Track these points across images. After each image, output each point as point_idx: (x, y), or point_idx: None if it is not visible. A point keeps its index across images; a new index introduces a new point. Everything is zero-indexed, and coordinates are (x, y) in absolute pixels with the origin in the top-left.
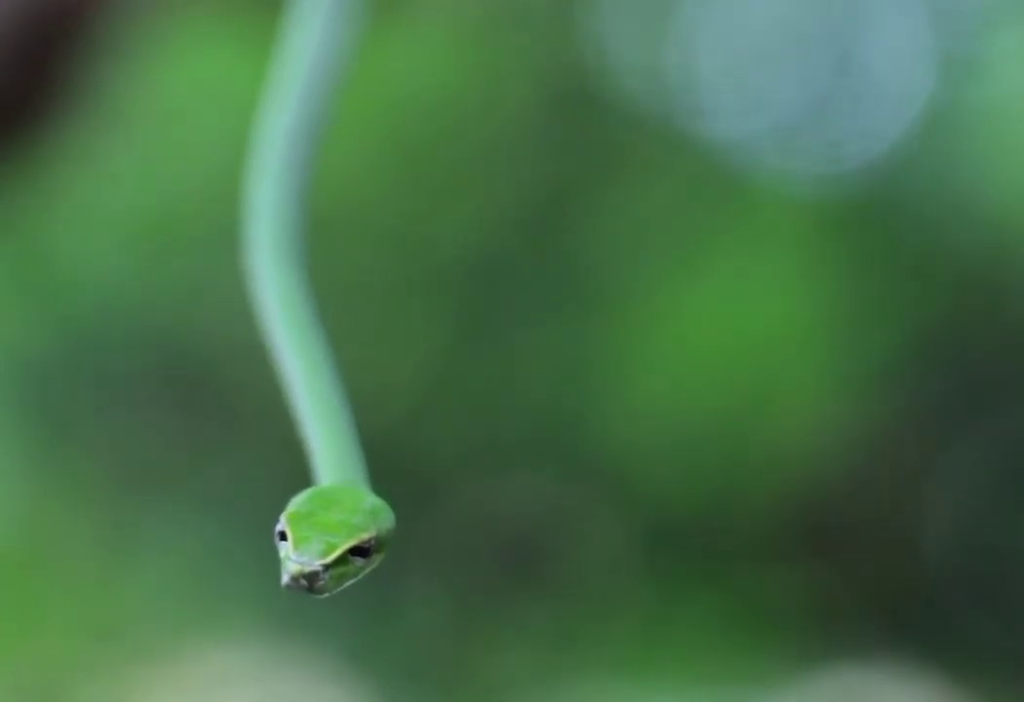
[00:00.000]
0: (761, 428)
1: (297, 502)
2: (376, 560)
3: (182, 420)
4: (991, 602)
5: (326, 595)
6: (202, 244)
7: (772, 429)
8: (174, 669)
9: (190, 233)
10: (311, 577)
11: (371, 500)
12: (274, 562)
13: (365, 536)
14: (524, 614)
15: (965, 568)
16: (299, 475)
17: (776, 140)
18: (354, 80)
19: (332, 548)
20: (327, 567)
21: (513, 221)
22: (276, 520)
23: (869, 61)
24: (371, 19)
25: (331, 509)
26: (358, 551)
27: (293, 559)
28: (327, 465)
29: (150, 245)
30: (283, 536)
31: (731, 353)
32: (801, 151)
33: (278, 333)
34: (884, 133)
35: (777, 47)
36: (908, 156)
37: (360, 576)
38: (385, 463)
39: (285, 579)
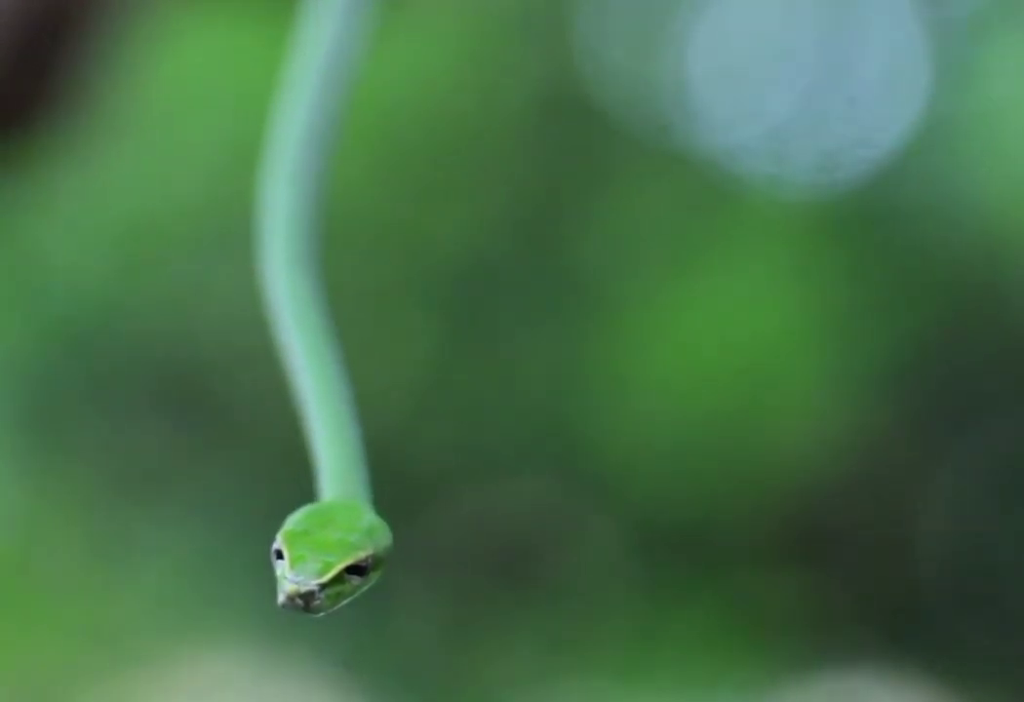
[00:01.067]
0: (756, 433)
1: (293, 520)
2: (373, 579)
3: (176, 425)
4: (985, 608)
5: (322, 614)
6: (196, 248)
7: (767, 434)
8: (168, 674)
9: (184, 237)
10: (307, 597)
11: (368, 518)
12: (268, 568)
13: (362, 555)
14: (519, 619)
15: (959, 574)
16: (293, 481)
17: (770, 147)
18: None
19: (328, 567)
20: (323, 586)
21: (509, 227)
22: (272, 530)
23: (862, 68)
24: (382, 15)
25: (328, 527)
26: (355, 570)
27: (289, 579)
28: (330, 476)
29: (144, 249)
30: (279, 555)
31: (725, 359)
32: (795, 158)
33: (290, 339)
34: (878, 140)
35: (770, 55)
36: (902, 163)
37: (356, 595)
38: (381, 468)
39: (281, 598)
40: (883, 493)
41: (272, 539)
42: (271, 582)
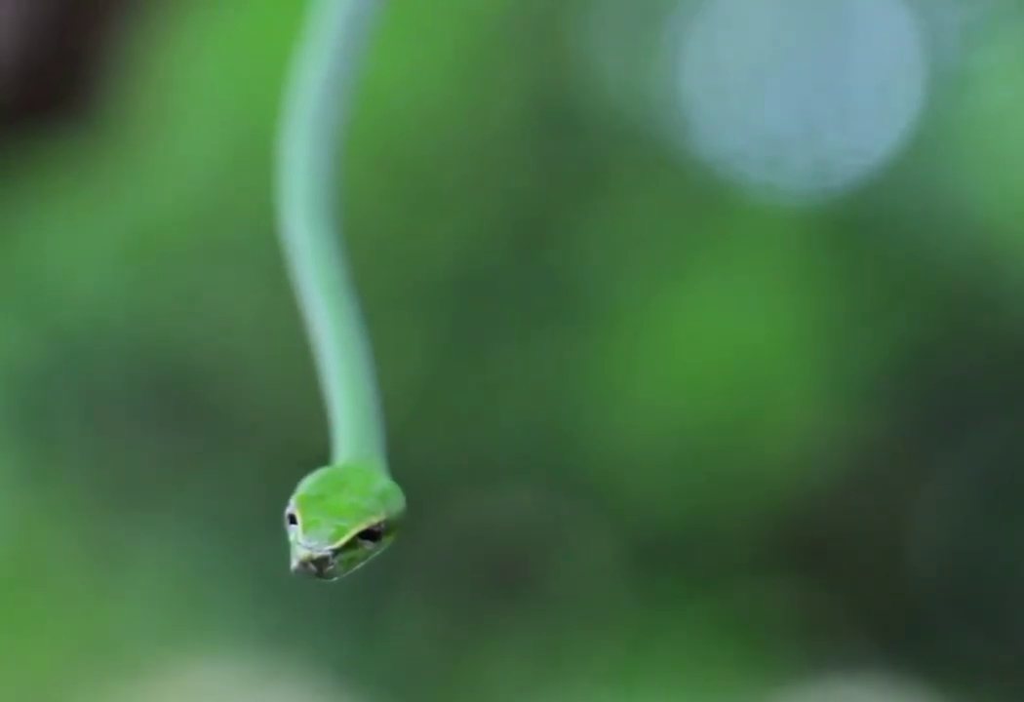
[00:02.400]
0: (749, 442)
1: (307, 484)
2: (386, 543)
3: (170, 435)
4: (979, 615)
5: (335, 579)
6: (191, 258)
7: (760, 443)
8: (162, 683)
9: (180, 246)
10: (320, 562)
11: (382, 482)
12: (263, 577)
13: (375, 519)
14: (514, 628)
15: (953, 581)
16: (288, 489)
17: (764, 154)
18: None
19: (342, 532)
20: (336, 552)
21: (503, 235)
22: (266, 537)
23: (856, 75)
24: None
25: (341, 491)
26: (368, 535)
27: (302, 544)
28: (345, 436)
29: (140, 257)
30: (292, 519)
31: (719, 367)
32: (789, 165)
33: (311, 295)
34: (872, 148)
35: (764, 62)
36: (895, 171)
37: (369, 559)
38: None
39: (294, 564)
40: (878, 500)
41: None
42: (266, 589)
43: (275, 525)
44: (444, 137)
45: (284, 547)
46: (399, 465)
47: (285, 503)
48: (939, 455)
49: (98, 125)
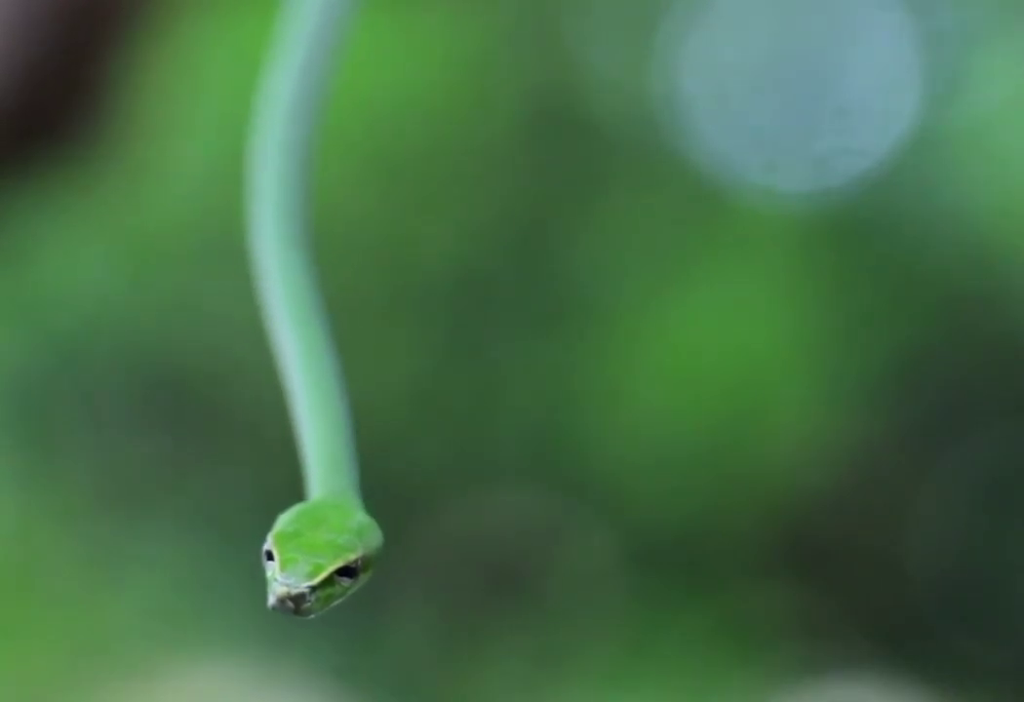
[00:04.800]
0: (748, 444)
1: (284, 521)
2: (363, 580)
3: (168, 437)
4: (976, 618)
5: (312, 616)
6: (189, 261)
7: (759, 445)
8: (159, 686)
9: (177, 249)
10: (298, 599)
11: (358, 518)
12: (260, 579)
13: (352, 556)
14: (513, 629)
15: (950, 584)
16: (285, 492)
17: (762, 157)
18: (340, 95)
19: (319, 570)
20: (314, 589)
21: (500, 239)
22: (263, 540)
23: (853, 78)
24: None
25: (318, 528)
26: (345, 571)
27: (280, 581)
28: (320, 471)
29: (137, 261)
30: (270, 556)
31: (718, 369)
32: (787, 168)
33: (281, 326)
34: (869, 150)
35: (762, 64)
36: (893, 173)
37: (347, 596)
38: (372, 478)
39: (271, 601)
40: (876, 503)
41: (264, 541)
42: (263, 593)
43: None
44: (443, 139)
45: None
46: (399, 466)
47: (283, 506)
48: (938, 457)
49: (96, 138)
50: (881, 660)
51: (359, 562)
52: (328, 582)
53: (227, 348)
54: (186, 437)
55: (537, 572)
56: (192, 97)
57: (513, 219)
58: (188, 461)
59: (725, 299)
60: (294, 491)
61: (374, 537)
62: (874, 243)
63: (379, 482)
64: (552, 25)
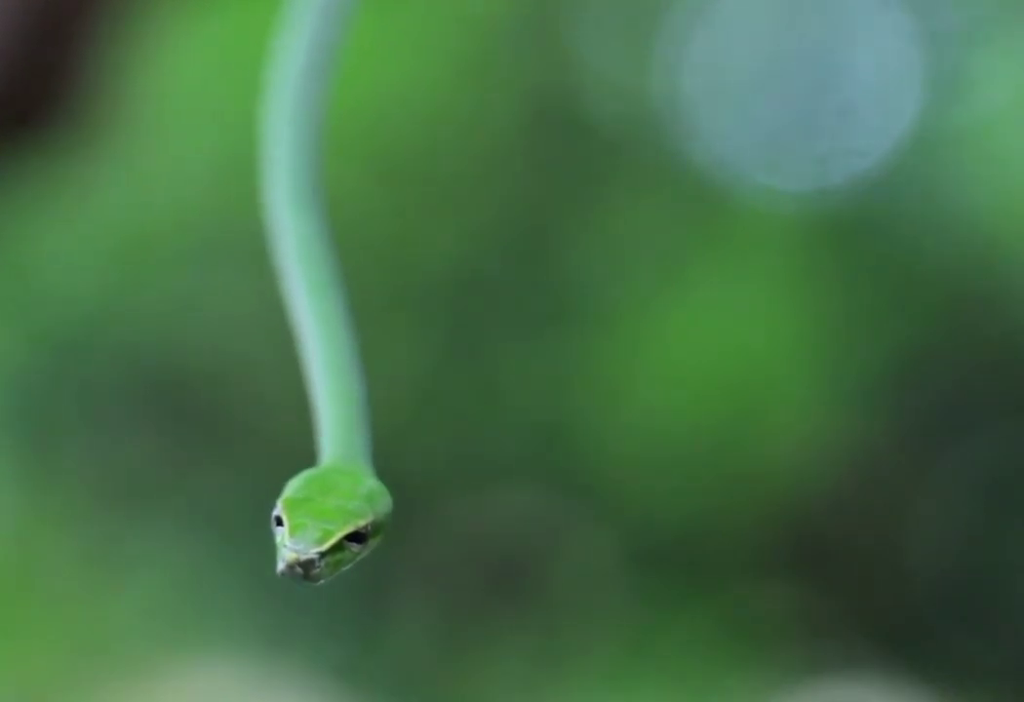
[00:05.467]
0: (748, 444)
1: (293, 487)
2: (372, 545)
3: (167, 436)
4: (976, 617)
5: (322, 581)
6: (188, 260)
7: (759, 445)
8: (160, 685)
9: (176, 248)
10: (307, 565)
11: (368, 484)
12: (260, 579)
13: (361, 522)
14: (513, 628)
15: (951, 584)
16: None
17: (761, 157)
18: (340, 96)
19: (328, 535)
20: (323, 555)
21: (501, 239)
22: (263, 539)
23: (854, 78)
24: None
25: (327, 494)
26: (354, 537)
27: (289, 547)
28: (331, 436)
29: (135, 260)
30: (279, 522)
31: (718, 369)
32: (787, 168)
33: (296, 295)
34: (870, 150)
35: (763, 65)
36: (894, 173)
37: (356, 561)
38: None
39: (281, 566)
40: (876, 503)
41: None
42: (265, 591)
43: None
44: (443, 140)
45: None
46: (400, 466)
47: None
48: (938, 457)
49: (81, 130)
50: (881, 660)
51: (369, 527)
52: (337, 548)
53: (227, 347)
54: (186, 437)
55: (538, 572)
56: (189, 90)
57: (513, 219)
58: (188, 461)
59: (725, 299)
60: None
61: (384, 503)
62: (874, 243)
63: (381, 481)
64: (552, 25)
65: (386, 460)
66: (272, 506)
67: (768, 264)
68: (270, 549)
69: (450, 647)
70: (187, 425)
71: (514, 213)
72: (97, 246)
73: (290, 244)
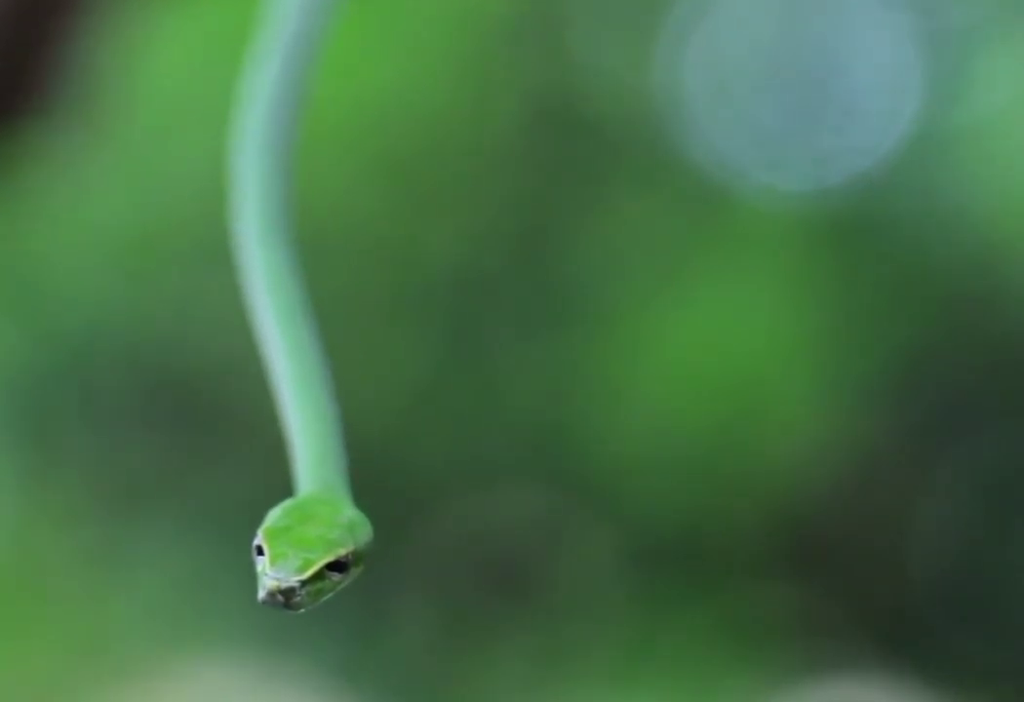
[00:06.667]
0: (748, 444)
1: (274, 516)
2: (354, 574)
3: (169, 437)
4: (978, 616)
5: (303, 611)
6: (188, 260)
7: (760, 445)
8: (162, 686)
9: (176, 248)
10: (288, 593)
11: (349, 513)
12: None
13: (343, 551)
14: (513, 628)
15: (951, 583)
16: (284, 492)
17: (761, 156)
18: (340, 96)
19: (309, 564)
20: (304, 583)
21: (501, 238)
22: (253, 535)
23: (855, 78)
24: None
25: (308, 523)
26: (336, 566)
27: (270, 575)
28: (307, 466)
29: (136, 260)
30: (260, 551)
31: (719, 369)
32: (788, 168)
33: (265, 320)
34: (870, 149)
35: (763, 64)
36: (894, 172)
37: (337, 590)
38: (372, 478)
39: (262, 595)
40: (875, 505)
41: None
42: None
43: None
44: (443, 140)
45: None
46: (399, 466)
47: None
48: (939, 457)
49: (65, 128)
50: (881, 660)
51: (350, 557)
52: (318, 576)
53: (227, 348)
54: (186, 437)
55: (537, 572)
56: (189, 87)
57: (514, 219)
58: (188, 461)
59: (726, 298)
60: (293, 491)
61: (364, 532)
62: (874, 243)
63: (380, 482)
64: (552, 25)
65: (386, 460)
66: (272, 505)
67: (768, 264)
68: None
69: (450, 647)
70: (187, 425)
71: (514, 213)
72: (97, 247)
73: (259, 275)
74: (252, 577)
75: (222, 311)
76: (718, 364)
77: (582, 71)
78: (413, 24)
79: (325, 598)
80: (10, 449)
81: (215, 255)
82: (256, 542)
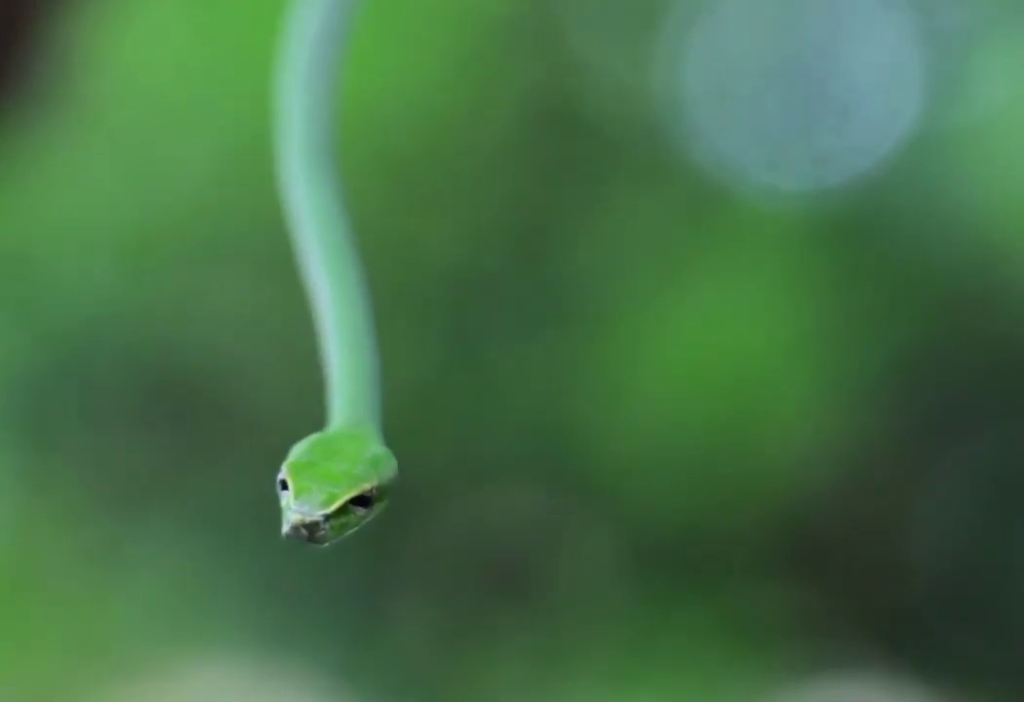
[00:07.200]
0: (748, 443)
1: (299, 451)
2: (378, 509)
3: (169, 436)
4: (978, 615)
5: (327, 545)
6: (188, 258)
7: (759, 444)
8: (161, 685)
9: (176, 247)
10: (312, 527)
11: (374, 449)
12: (260, 579)
13: (367, 486)
14: (513, 628)
15: (951, 583)
16: None
17: (762, 156)
18: (341, 96)
19: (333, 498)
20: (328, 517)
21: (501, 238)
22: (263, 538)
23: (855, 78)
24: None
25: (333, 459)
26: (360, 501)
27: (294, 509)
28: (340, 401)
29: (136, 259)
30: (284, 485)
31: (718, 369)
32: (787, 168)
33: (310, 254)
34: (870, 150)
35: (762, 64)
36: (894, 173)
37: (361, 525)
38: None
39: (286, 528)
40: (876, 503)
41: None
42: (265, 590)
43: (274, 526)
44: (443, 139)
45: (284, 546)
46: (400, 466)
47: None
48: (937, 456)
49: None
50: (881, 660)
51: (374, 492)
52: (343, 511)
53: (228, 346)
54: (186, 437)
55: (538, 571)
56: (191, 86)
57: (514, 219)
58: (190, 459)
59: (725, 298)
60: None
61: (389, 467)
62: (874, 243)
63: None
64: (552, 25)
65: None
66: (273, 505)
67: (768, 264)
68: (272, 547)
69: (450, 647)
70: (187, 425)
71: (514, 212)
72: (96, 246)
73: (305, 209)
74: (252, 577)
75: (222, 311)
76: (718, 364)
77: (582, 71)
78: (413, 24)
79: (349, 532)
80: (10, 449)
81: (216, 252)
82: (280, 476)
